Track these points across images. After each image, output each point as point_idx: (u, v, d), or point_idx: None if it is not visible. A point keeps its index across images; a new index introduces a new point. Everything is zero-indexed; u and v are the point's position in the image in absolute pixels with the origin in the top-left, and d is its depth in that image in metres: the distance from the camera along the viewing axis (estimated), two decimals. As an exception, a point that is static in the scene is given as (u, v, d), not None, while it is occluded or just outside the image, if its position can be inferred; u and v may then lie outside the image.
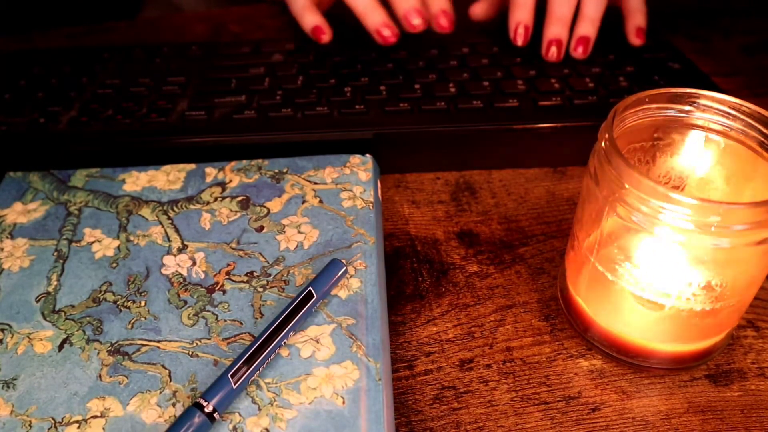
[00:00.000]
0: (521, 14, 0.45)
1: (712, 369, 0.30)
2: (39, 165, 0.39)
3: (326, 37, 0.47)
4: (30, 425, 0.26)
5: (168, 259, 0.33)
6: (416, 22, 0.45)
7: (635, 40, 0.46)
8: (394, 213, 0.39)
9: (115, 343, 0.29)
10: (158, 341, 0.29)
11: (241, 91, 0.43)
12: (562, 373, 0.30)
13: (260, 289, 0.31)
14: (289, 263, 0.32)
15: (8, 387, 0.27)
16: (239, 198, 0.36)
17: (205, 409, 0.25)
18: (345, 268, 0.31)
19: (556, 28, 0.44)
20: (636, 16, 0.47)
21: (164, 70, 0.46)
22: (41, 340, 0.29)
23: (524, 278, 0.35)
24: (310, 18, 0.47)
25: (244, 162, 0.38)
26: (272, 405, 0.26)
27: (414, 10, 0.45)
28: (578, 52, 0.45)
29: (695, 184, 0.31)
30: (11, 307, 0.31)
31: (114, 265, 0.32)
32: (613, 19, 0.47)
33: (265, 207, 0.35)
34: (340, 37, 0.49)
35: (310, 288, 0.29)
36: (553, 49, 0.44)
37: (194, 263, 0.32)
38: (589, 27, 0.45)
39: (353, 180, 0.36)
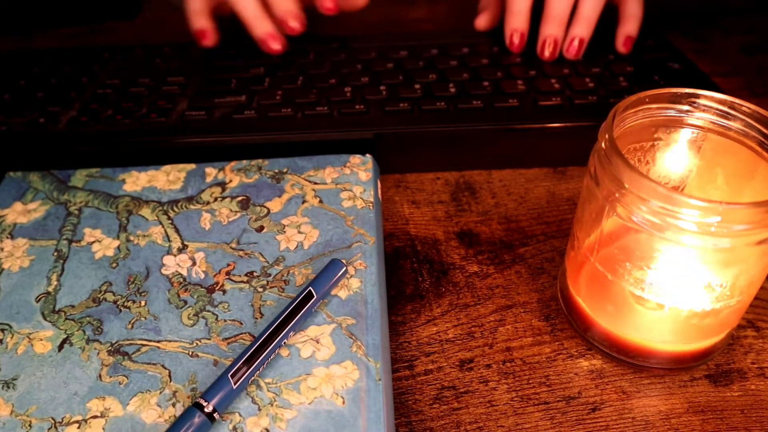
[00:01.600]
0: (516, 22, 0.46)
1: (712, 369, 0.30)
2: (39, 165, 0.39)
3: (208, 41, 0.47)
4: (30, 425, 0.26)
5: (168, 259, 0.33)
6: (293, 24, 0.46)
7: (621, 48, 0.46)
8: (394, 213, 0.39)
9: (115, 343, 0.29)
10: (158, 341, 0.29)
11: (241, 91, 0.43)
12: (562, 373, 0.30)
13: (260, 289, 0.31)
14: (289, 263, 0.32)
15: (8, 387, 0.27)
16: (239, 198, 0.36)
17: (205, 409, 0.25)
18: (345, 268, 0.31)
19: (551, 27, 0.45)
20: (628, 24, 0.46)
21: (164, 70, 0.46)
22: (41, 340, 0.29)
23: (524, 278, 0.35)
24: (199, 21, 0.47)
25: (244, 162, 0.38)
26: (272, 405, 0.26)
27: (291, 15, 0.45)
28: (570, 53, 0.45)
29: (695, 184, 0.31)
30: (11, 307, 0.31)
31: (114, 265, 0.32)
32: (613, 19, 0.47)
33: (265, 207, 0.35)
34: (340, 36, 0.49)
35: (310, 288, 0.29)
36: (548, 48, 0.45)
37: (194, 263, 0.32)
38: (584, 28, 0.45)
39: (353, 180, 0.36)
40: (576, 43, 0.45)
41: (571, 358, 0.31)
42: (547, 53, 0.45)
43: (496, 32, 0.48)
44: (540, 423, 0.28)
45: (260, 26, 0.46)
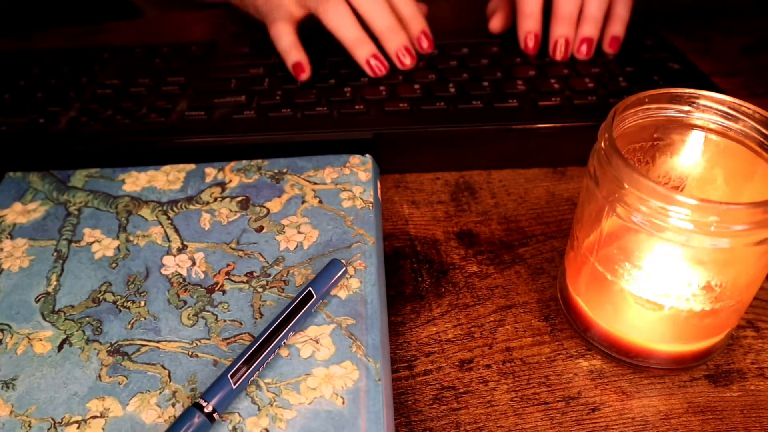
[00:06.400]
0: (529, 24, 0.46)
1: (712, 369, 0.30)
2: (39, 165, 0.39)
3: (305, 75, 0.44)
4: (30, 425, 0.26)
5: (168, 260, 0.33)
6: (407, 62, 0.45)
7: (608, 49, 0.46)
8: (394, 213, 0.39)
9: (115, 343, 0.29)
10: (158, 341, 0.29)
11: (241, 91, 0.43)
12: (561, 373, 0.30)
13: (260, 290, 0.31)
14: (289, 263, 0.32)
15: (8, 387, 0.27)
16: (239, 198, 0.36)
17: (205, 410, 0.25)
18: (345, 268, 0.31)
19: (562, 28, 0.45)
20: (615, 24, 0.47)
21: (164, 70, 0.46)
22: (41, 340, 0.29)
23: (524, 278, 0.35)
24: (293, 56, 0.45)
25: (244, 162, 0.38)
26: (272, 405, 0.26)
27: (405, 49, 0.45)
28: (582, 53, 0.45)
29: (695, 184, 0.31)
30: (11, 307, 0.31)
31: (114, 265, 0.32)
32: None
33: (264, 207, 0.35)
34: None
35: (310, 288, 0.29)
36: (560, 49, 0.45)
37: (194, 263, 0.32)
38: (592, 27, 0.45)
39: (353, 180, 0.36)
40: (586, 44, 0.45)
41: (571, 359, 0.31)
42: (559, 55, 0.45)
43: (496, 32, 0.48)
44: (540, 423, 0.28)
45: (362, 49, 0.45)
